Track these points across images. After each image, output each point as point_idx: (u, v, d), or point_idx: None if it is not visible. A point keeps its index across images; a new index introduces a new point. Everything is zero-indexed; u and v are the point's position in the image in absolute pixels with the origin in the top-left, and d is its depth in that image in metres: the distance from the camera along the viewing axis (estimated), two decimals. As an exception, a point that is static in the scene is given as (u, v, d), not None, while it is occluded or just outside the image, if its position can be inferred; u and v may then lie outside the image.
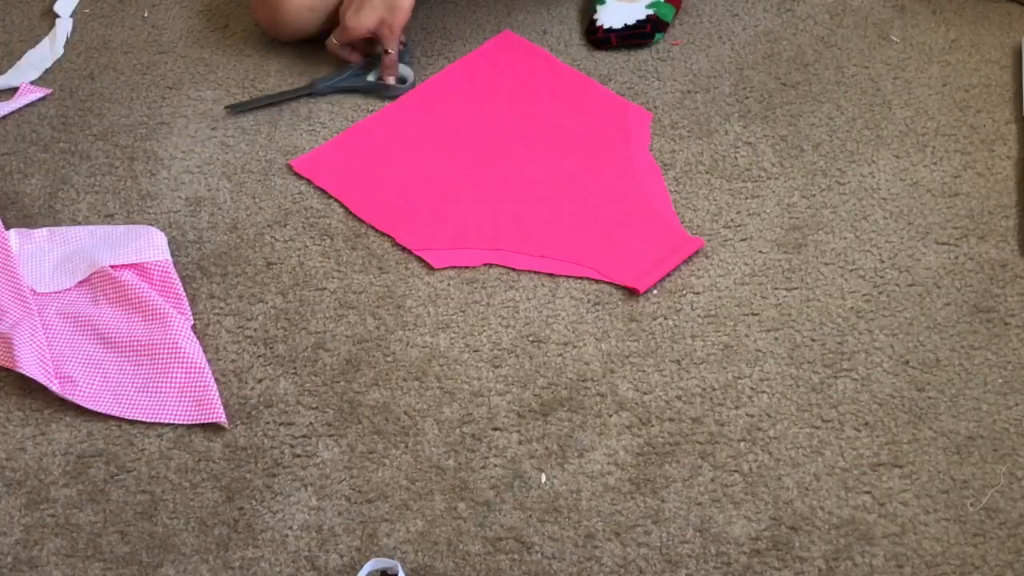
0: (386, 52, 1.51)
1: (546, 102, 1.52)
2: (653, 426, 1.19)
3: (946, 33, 1.57)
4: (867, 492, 1.13)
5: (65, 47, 1.67)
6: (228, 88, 1.58)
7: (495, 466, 1.17)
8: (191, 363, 1.25)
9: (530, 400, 1.22)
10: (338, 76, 1.55)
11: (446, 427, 1.20)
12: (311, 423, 1.22)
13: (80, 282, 1.34)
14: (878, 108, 1.48)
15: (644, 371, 1.23)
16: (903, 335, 1.24)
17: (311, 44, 1.62)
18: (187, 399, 1.23)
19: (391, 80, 1.54)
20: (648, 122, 1.48)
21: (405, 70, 1.55)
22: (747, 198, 1.39)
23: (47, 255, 1.37)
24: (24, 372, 1.23)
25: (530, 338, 1.27)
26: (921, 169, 1.40)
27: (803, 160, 1.43)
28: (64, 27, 1.68)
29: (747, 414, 1.19)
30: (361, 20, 1.49)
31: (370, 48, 1.57)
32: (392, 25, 1.49)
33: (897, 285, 1.29)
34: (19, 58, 1.65)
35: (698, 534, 1.11)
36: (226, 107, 1.54)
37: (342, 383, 1.25)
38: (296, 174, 1.46)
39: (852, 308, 1.27)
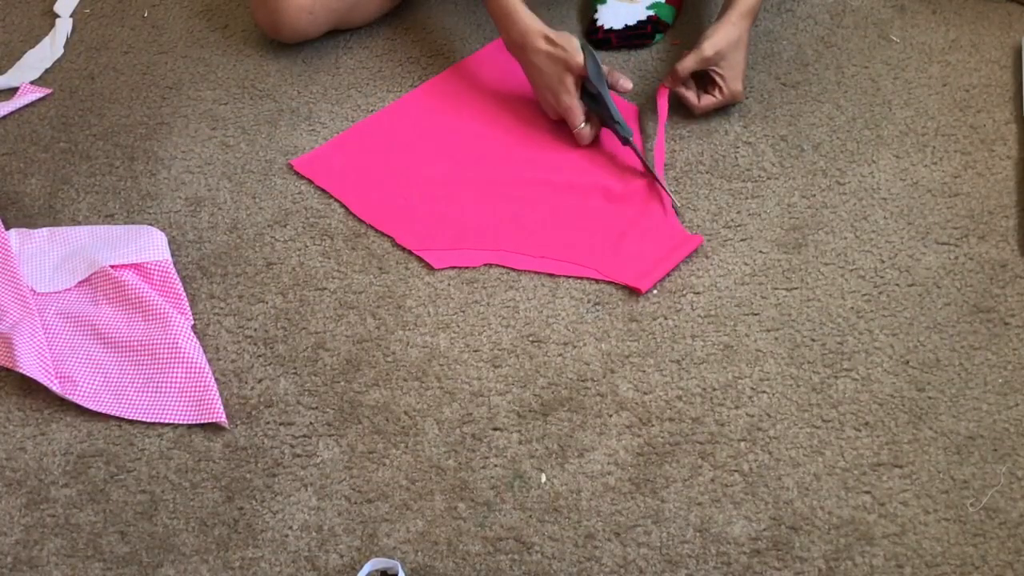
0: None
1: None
2: (653, 426, 1.19)
3: (946, 33, 1.57)
4: (867, 492, 1.13)
5: (65, 47, 1.66)
6: (228, 88, 1.58)
7: (495, 466, 1.17)
8: (191, 363, 1.25)
9: (530, 400, 1.22)
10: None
11: (446, 427, 1.20)
12: (311, 423, 1.22)
13: (80, 282, 1.34)
14: (878, 108, 1.48)
15: (644, 371, 1.23)
16: (903, 335, 1.24)
17: (311, 45, 1.62)
18: (187, 399, 1.23)
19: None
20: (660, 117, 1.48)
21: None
22: (747, 198, 1.39)
23: (47, 255, 1.37)
24: (24, 372, 1.23)
25: (530, 338, 1.27)
26: (921, 169, 1.40)
27: (803, 160, 1.42)
28: (64, 27, 1.68)
29: (747, 414, 1.19)
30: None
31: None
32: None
33: (897, 285, 1.29)
34: (19, 58, 1.65)
35: (698, 534, 1.11)
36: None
37: (342, 383, 1.25)
38: (296, 174, 1.46)
39: (852, 308, 1.27)
